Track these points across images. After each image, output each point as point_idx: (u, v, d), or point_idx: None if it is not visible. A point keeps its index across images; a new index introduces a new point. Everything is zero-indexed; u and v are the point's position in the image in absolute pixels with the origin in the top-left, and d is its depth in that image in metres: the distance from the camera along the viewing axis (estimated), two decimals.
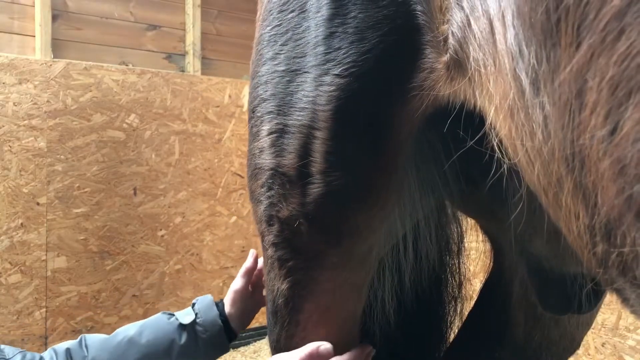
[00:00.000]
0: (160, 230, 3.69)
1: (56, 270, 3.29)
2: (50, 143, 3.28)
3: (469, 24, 0.60)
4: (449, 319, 1.37)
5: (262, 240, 1.06)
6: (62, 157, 3.32)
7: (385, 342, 1.18)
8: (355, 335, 1.08)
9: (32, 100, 3.22)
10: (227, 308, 1.28)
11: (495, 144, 0.61)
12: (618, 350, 2.42)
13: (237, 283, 1.31)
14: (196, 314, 1.23)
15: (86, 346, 1.13)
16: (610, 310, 2.42)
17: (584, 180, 0.46)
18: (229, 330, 1.26)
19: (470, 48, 0.60)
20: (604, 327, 2.47)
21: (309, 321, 1.01)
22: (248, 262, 1.33)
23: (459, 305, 1.37)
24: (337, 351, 1.01)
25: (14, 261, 3.16)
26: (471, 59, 0.61)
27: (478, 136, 0.65)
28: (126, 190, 3.55)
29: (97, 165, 3.44)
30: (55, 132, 3.30)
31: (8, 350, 1.03)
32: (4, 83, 3.13)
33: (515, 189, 0.73)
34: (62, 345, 1.12)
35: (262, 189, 0.98)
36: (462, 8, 0.63)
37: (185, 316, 1.22)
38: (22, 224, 3.18)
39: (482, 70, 0.58)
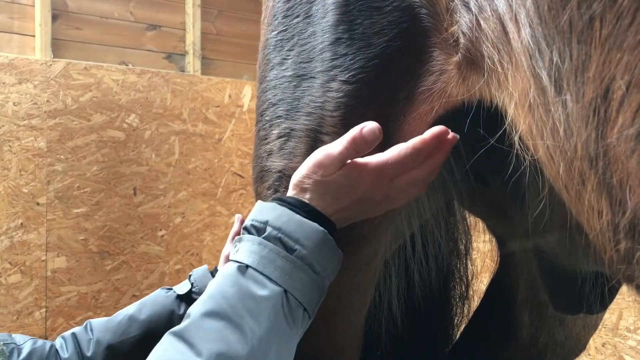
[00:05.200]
0: (160, 230, 3.69)
1: (56, 270, 3.29)
2: (50, 143, 3.27)
3: (479, 25, 0.61)
4: (455, 320, 1.37)
5: None
6: (62, 157, 3.32)
7: (391, 343, 1.18)
8: (360, 337, 1.08)
9: (32, 100, 3.22)
10: None
11: (516, 141, 0.61)
12: (618, 350, 2.42)
13: (227, 249, 1.30)
14: (192, 284, 1.23)
15: (91, 329, 1.14)
16: (610, 310, 2.41)
17: (609, 178, 0.46)
18: None
19: (484, 47, 0.60)
20: (604, 327, 2.47)
21: (314, 323, 1.01)
22: (235, 227, 1.32)
23: (467, 305, 1.37)
24: (342, 353, 1.01)
25: (14, 261, 3.16)
26: (486, 57, 0.61)
27: (497, 135, 0.65)
28: (126, 190, 3.55)
29: (97, 165, 3.44)
30: (55, 132, 3.29)
31: (19, 338, 1.05)
32: (4, 83, 3.13)
33: (529, 186, 0.73)
34: (68, 332, 1.14)
35: (269, 192, 0.98)
36: (470, 9, 0.63)
37: (182, 287, 1.23)
38: (22, 224, 3.18)
39: (499, 68, 0.59)
